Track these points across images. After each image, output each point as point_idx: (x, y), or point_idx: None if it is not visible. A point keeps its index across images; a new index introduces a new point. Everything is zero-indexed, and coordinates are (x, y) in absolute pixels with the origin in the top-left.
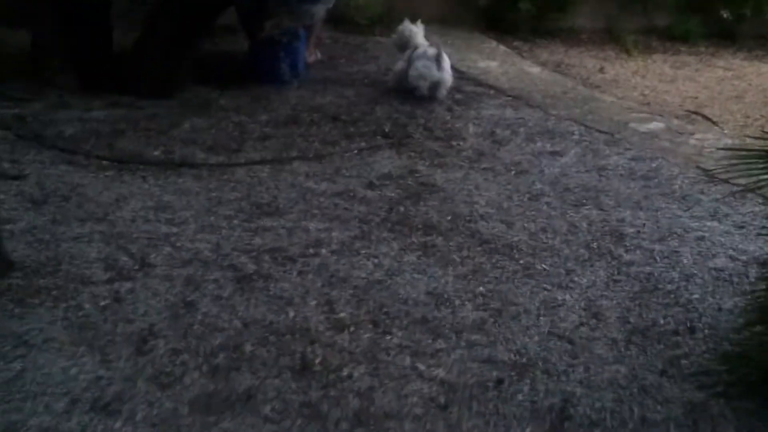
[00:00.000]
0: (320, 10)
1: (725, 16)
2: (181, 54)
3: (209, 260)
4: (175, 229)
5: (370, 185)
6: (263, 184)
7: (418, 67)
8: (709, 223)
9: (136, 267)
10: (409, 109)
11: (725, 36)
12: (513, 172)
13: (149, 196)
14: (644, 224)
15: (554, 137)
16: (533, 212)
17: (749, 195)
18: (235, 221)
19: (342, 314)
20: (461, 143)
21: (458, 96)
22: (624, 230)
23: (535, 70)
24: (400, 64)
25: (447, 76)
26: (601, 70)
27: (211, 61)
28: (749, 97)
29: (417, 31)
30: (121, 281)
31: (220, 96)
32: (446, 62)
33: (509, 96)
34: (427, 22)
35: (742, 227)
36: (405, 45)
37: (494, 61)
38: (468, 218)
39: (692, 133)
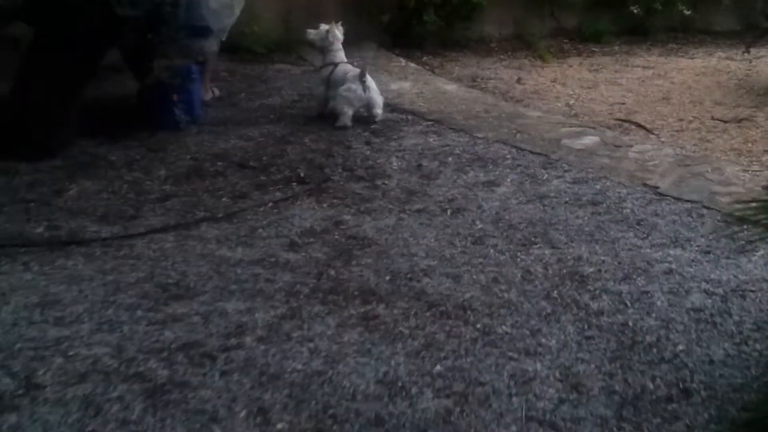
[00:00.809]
0: (212, 44)
1: (635, 11)
2: (62, 105)
3: (110, 370)
4: (66, 331)
5: (293, 246)
6: (168, 257)
7: (341, 93)
8: (672, 252)
9: (21, 391)
10: (324, 147)
11: (637, 32)
12: (449, 212)
13: (33, 290)
14: (603, 261)
15: (486, 164)
16: (480, 259)
17: (707, 212)
18: (139, 312)
19: (279, 425)
20: (387, 182)
21: (375, 125)
22: (583, 270)
23: (451, 87)
24: (318, 89)
25: (376, 96)
26: (519, 81)
27: (98, 109)
28: (675, 97)
29: (338, 34)
30: (1, 414)
31: (111, 150)
32: (371, 81)
33: (430, 120)
34: None
35: (707, 252)
36: (323, 47)
37: (406, 81)
38: (409, 275)
39: (630, 145)
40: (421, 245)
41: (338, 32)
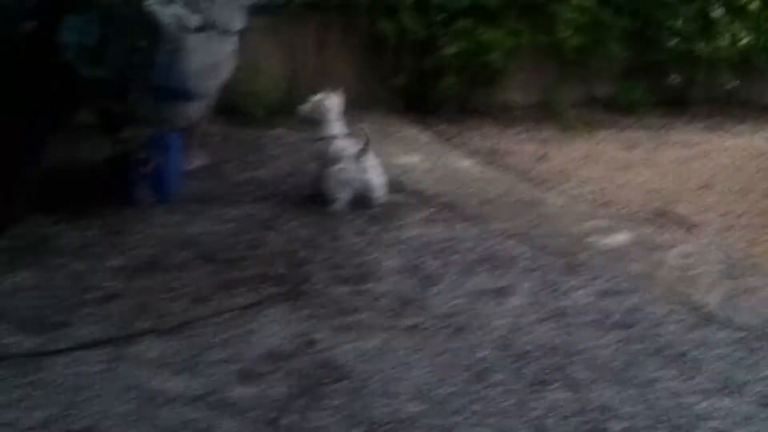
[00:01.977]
0: (196, 110)
1: (674, 81)
2: (12, 177)
3: None
4: None
5: (247, 376)
6: (89, 388)
7: (335, 173)
8: (721, 402)
9: None
10: (310, 236)
11: (676, 103)
12: (448, 331)
13: None
14: (635, 414)
15: (498, 266)
16: (480, 405)
17: (765, 344)
18: None
19: None
20: (377, 286)
21: (373, 209)
22: (611, 428)
23: (466, 163)
24: (313, 166)
25: (377, 177)
26: (543, 157)
27: (67, 177)
28: (720, 183)
29: (335, 106)
30: None
31: (66, 230)
32: (373, 159)
33: (437, 205)
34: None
35: (766, 404)
36: (317, 120)
37: (416, 154)
38: (388, 426)
39: (668, 246)
40: (409, 380)
41: (334, 102)
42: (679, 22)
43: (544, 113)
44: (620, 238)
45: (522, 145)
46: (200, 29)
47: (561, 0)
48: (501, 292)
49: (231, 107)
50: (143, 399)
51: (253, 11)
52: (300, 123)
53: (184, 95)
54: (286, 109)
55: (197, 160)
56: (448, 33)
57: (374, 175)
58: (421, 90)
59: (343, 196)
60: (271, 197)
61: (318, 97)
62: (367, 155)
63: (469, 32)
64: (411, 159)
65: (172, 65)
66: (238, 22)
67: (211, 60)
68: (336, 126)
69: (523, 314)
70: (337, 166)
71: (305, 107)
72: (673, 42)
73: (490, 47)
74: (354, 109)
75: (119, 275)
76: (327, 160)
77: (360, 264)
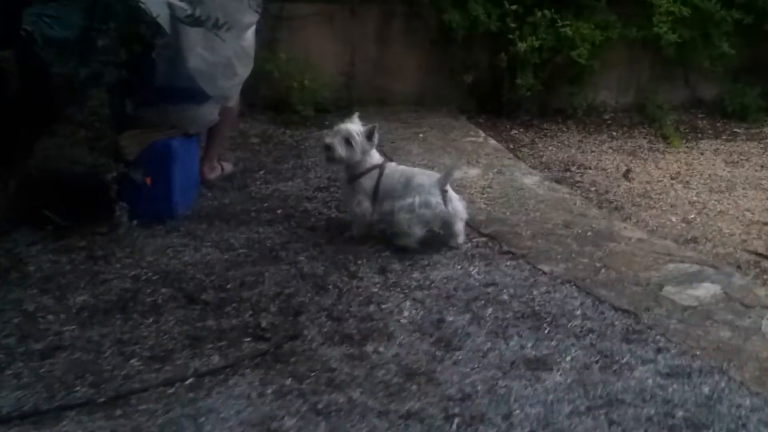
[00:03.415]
0: (210, 113)
1: None
2: None
3: None
4: None
5: None
6: None
7: (416, 209)
8: None
9: None
10: (319, 272)
11: None
12: (459, 421)
13: None
14: None
15: (541, 324)
16: None
17: None
18: None
19: None
20: (382, 349)
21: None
22: None
23: (532, 180)
24: (363, 205)
25: (462, 210)
26: (627, 174)
27: (70, 185)
28: None
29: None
30: None
31: (41, 252)
32: (453, 193)
33: (483, 236)
34: (400, 104)
35: None
36: (359, 150)
37: (476, 166)
38: None
39: (767, 306)
40: None
41: (354, 129)
42: None
43: (639, 118)
44: (705, 290)
45: (605, 157)
46: (197, 22)
47: None
48: (538, 365)
49: (278, 104)
50: None
51: None
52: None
53: (196, 97)
54: (342, 106)
55: (220, 169)
56: (525, 25)
57: (460, 207)
58: (495, 89)
59: (418, 233)
60: (289, 218)
61: (349, 126)
62: (448, 185)
63: (550, 24)
64: (469, 172)
65: (174, 64)
66: (248, 14)
67: (220, 57)
68: (375, 152)
69: (562, 400)
70: (416, 200)
71: (335, 137)
72: None
73: (574, 42)
74: (418, 111)
75: (77, 318)
76: (385, 190)
77: (368, 316)
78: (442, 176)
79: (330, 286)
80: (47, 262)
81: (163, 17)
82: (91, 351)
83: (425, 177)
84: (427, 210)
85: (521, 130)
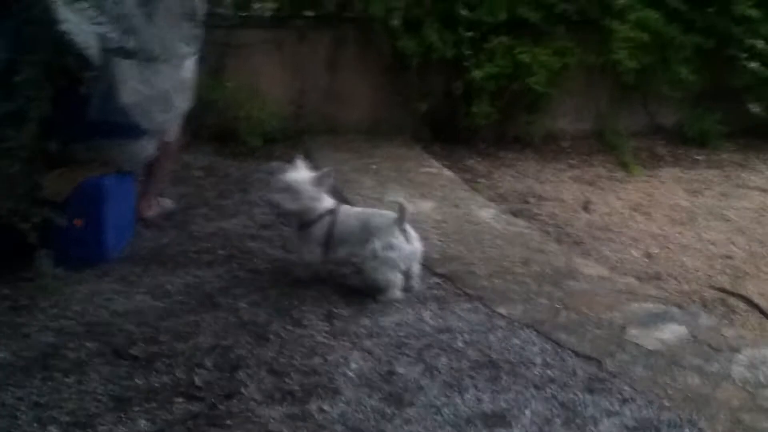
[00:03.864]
0: (146, 149)
1: (753, 110)
2: None
3: None
4: None
5: None
6: None
7: (380, 254)
8: None
9: None
10: (260, 319)
11: (754, 135)
12: None
13: None
14: None
15: (499, 374)
16: None
17: None
18: None
19: None
20: (326, 407)
21: (352, 281)
22: None
23: (489, 213)
24: (314, 252)
25: (417, 244)
26: (587, 206)
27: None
28: None
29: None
30: None
31: None
32: (411, 229)
33: (438, 275)
34: (352, 133)
35: None
36: (307, 196)
37: (430, 199)
38: None
39: (736, 348)
40: None
41: (305, 170)
42: (761, 42)
43: (597, 145)
44: (671, 332)
45: (563, 187)
46: (129, 54)
47: (617, 14)
48: (496, 421)
49: (224, 134)
50: None
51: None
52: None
53: (127, 132)
54: (291, 136)
55: (159, 206)
56: (481, 52)
57: (418, 245)
58: (450, 117)
59: (397, 280)
60: (231, 259)
61: (298, 174)
62: (404, 221)
63: (507, 51)
64: (423, 205)
65: (104, 97)
66: (186, 45)
67: (156, 91)
68: (324, 197)
69: None
70: (378, 244)
71: (280, 192)
72: (753, 64)
73: (531, 68)
74: (371, 140)
75: None
76: (342, 234)
77: (313, 369)
78: (397, 215)
79: (272, 336)
80: None
81: (92, 49)
82: (4, 416)
83: (382, 218)
84: (392, 252)
85: (478, 159)
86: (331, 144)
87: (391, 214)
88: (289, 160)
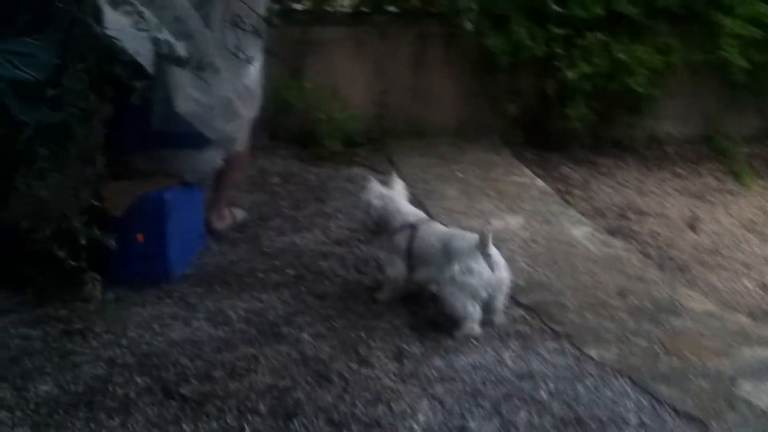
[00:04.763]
0: (212, 159)
1: None
2: None
3: None
4: None
5: None
6: None
7: (457, 279)
8: None
9: None
10: (326, 354)
11: None
12: None
13: None
14: None
15: None
16: None
17: None
18: None
19: None
20: None
21: (428, 311)
22: None
23: (582, 231)
24: (396, 265)
25: (506, 275)
26: (693, 224)
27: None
28: None
29: (395, 196)
30: None
31: (10, 325)
32: (495, 251)
33: (523, 307)
34: (437, 136)
35: None
36: (380, 222)
37: (519, 213)
38: None
39: None
40: None
41: (389, 193)
42: None
43: (705, 151)
44: None
45: (667, 200)
46: (178, 61)
47: (726, 8)
48: None
49: (304, 137)
50: None
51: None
52: (365, 229)
53: (192, 142)
54: (374, 140)
55: (230, 217)
56: (575, 49)
57: (505, 273)
58: (543, 119)
59: (475, 312)
60: (299, 281)
61: (376, 187)
62: (489, 246)
63: (603, 49)
64: (511, 221)
65: (162, 106)
66: (248, 49)
67: (216, 98)
68: (408, 208)
69: None
70: (456, 268)
71: (361, 210)
72: None
73: (630, 68)
74: (458, 143)
75: (33, 416)
76: (421, 252)
77: (376, 420)
78: (480, 237)
79: (334, 376)
80: (17, 337)
81: (144, 55)
82: None
83: (464, 240)
84: (471, 278)
85: (572, 166)
86: (415, 148)
87: (475, 237)
88: (371, 166)
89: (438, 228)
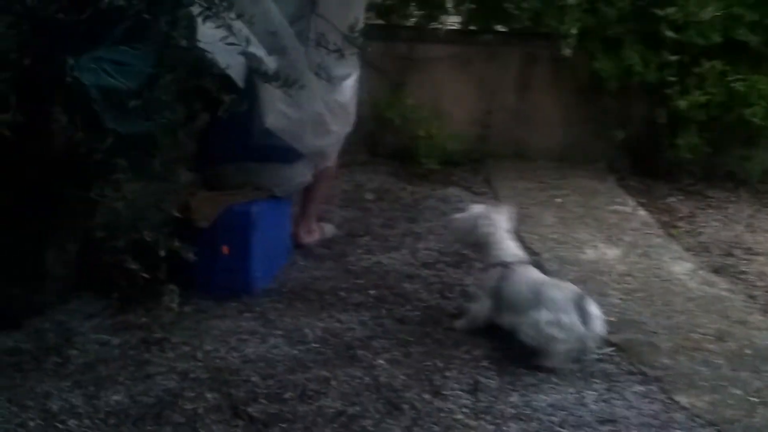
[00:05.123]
0: (301, 174)
1: None
2: (35, 254)
3: None
4: None
5: None
6: None
7: (550, 329)
8: None
9: None
10: (400, 382)
11: None
12: None
13: None
14: None
15: None
16: None
17: None
18: None
19: None
20: None
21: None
22: None
23: (684, 268)
24: (480, 303)
25: (600, 327)
26: None
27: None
28: None
29: (500, 219)
30: None
31: (92, 330)
32: (592, 306)
33: (610, 344)
34: (540, 159)
35: None
36: (480, 242)
37: (616, 245)
38: None
39: None
40: None
41: (501, 216)
42: None
43: None
44: None
45: None
46: (267, 77)
47: None
48: None
49: (402, 154)
50: None
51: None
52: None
53: (282, 156)
54: (473, 160)
55: (318, 232)
56: (690, 77)
57: (598, 325)
58: (651, 147)
59: (562, 353)
60: (381, 303)
61: (478, 208)
62: (586, 302)
63: (719, 78)
64: (608, 252)
65: (252, 120)
66: (343, 66)
67: (307, 114)
68: (509, 246)
69: None
70: (539, 316)
71: (459, 223)
72: None
73: (747, 98)
74: (561, 168)
75: (102, 426)
76: (509, 296)
77: None
78: (577, 293)
79: (405, 406)
80: (95, 343)
81: (235, 68)
82: None
83: (558, 290)
84: (558, 331)
85: (680, 197)
86: (515, 171)
87: (571, 287)
88: (468, 187)
89: (532, 274)
